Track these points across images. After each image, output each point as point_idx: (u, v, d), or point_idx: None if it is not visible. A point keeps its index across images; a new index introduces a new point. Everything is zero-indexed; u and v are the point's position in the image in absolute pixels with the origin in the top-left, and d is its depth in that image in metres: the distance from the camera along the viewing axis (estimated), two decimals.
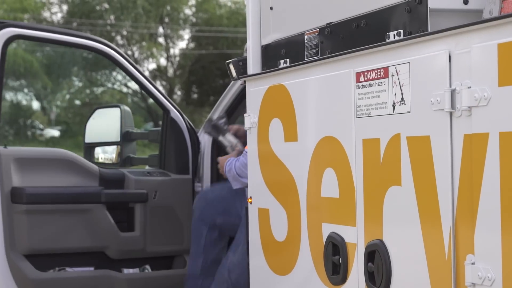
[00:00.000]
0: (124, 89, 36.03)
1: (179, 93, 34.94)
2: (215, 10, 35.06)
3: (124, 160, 5.49)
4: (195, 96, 36.35)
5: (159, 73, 35.85)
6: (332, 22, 3.43)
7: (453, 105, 2.62)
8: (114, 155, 5.35)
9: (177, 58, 35.94)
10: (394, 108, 2.91)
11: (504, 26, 2.42)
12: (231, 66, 4.18)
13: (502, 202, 2.43)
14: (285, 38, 3.82)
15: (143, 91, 5.25)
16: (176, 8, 34.94)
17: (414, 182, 2.81)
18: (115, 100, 34.12)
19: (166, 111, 5.03)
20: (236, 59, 4.21)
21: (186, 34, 36.09)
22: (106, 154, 5.48)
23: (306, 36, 3.63)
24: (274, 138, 3.77)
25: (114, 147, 5.39)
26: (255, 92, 3.95)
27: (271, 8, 3.93)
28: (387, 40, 3.04)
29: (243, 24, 34.33)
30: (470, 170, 2.57)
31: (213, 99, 35.64)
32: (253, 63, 4.06)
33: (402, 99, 2.87)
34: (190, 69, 34.84)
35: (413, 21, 2.93)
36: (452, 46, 2.64)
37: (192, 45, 35.98)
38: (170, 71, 35.94)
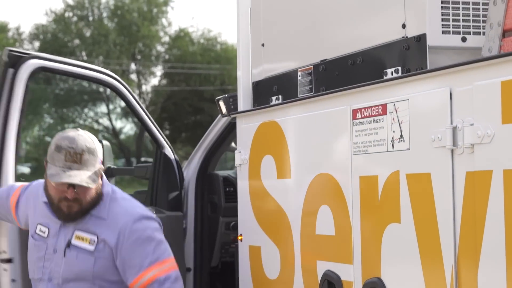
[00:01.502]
0: (95, 126, 35.89)
1: None
2: (188, 47, 35.11)
3: None
4: (167, 132, 36.25)
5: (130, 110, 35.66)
6: (326, 59, 3.43)
7: (454, 142, 2.61)
8: None
9: (149, 95, 35.89)
10: (392, 145, 2.91)
11: (508, 64, 2.43)
12: (221, 103, 4.16)
13: (506, 240, 2.42)
14: (277, 74, 3.81)
15: (141, 124, 5.19)
16: (149, 45, 34.95)
17: (414, 219, 2.80)
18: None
19: (160, 146, 4.98)
20: (226, 95, 4.19)
21: (159, 70, 36.11)
22: None
23: (299, 73, 3.62)
24: (266, 174, 3.75)
25: None
26: (246, 129, 3.93)
27: (263, 45, 3.93)
28: (385, 77, 3.04)
29: (216, 60, 34.44)
30: (472, 207, 2.56)
31: (185, 136, 35.58)
32: (244, 100, 4.05)
33: (401, 136, 2.86)
34: (162, 106, 34.78)
35: (411, 59, 2.93)
36: (453, 83, 2.64)
37: (164, 81, 35.97)
38: None
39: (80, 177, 3.28)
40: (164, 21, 36.12)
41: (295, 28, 3.68)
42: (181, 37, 35.64)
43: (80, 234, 3.40)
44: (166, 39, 35.98)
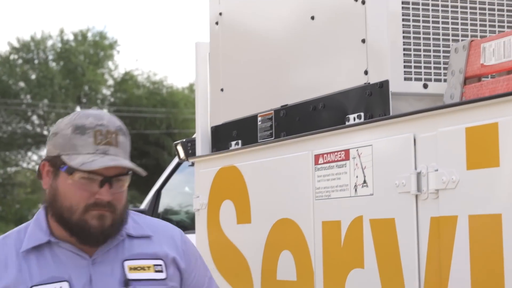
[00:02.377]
0: None
1: None
2: (134, 90, 35.02)
3: None
4: None
5: None
6: (287, 104, 3.44)
7: (419, 188, 2.63)
8: None
9: None
10: (356, 190, 2.92)
11: (472, 110, 2.47)
12: (179, 148, 4.15)
13: (472, 286, 2.43)
14: (237, 119, 3.81)
15: None
16: (94, 88, 34.79)
17: (378, 265, 2.80)
18: (29, 180, 33.52)
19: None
20: (184, 140, 4.19)
21: None
22: None
23: (259, 118, 3.63)
24: (225, 220, 3.73)
25: None
26: (205, 174, 3.92)
27: (222, 90, 3.94)
28: (347, 123, 3.06)
29: (162, 104, 34.29)
30: (437, 253, 2.57)
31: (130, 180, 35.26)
32: (202, 145, 4.04)
33: (365, 182, 2.88)
34: None
35: (374, 104, 2.96)
36: (417, 129, 2.67)
37: None
38: None
39: (126, 162, 2.36)
40: (110, 64, 36.05)
41: (255, 73, 3.69)
42: (126, 80, 35.56)
43: (136, 263, 2.44)
44: (111, 82, 35.87)
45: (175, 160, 5.52)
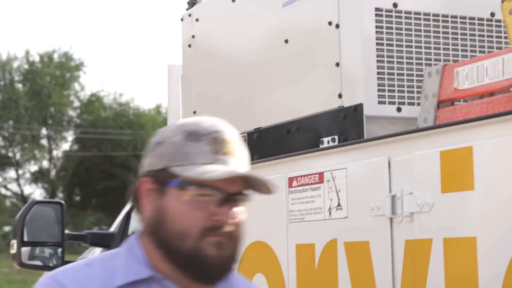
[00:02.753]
0: (3, 191, 35.16)
1: (61, 195, 34.29)
2: (100, 112, 34.92)
3: (65, 263, 5.22)
4: (77, 198, 35.76)
5: (40, 175, 35.18)
6: (261, 127, 3.45)
7: (393, 211, 2.64)
8: (54, 258, 5.11)
9: (60, 160, 35.41)
10: (330, 213, 2.92)
11: (446, 134, 2.49)
12: None
13: None
14: None
15: None
16: (60, 110, 34.63)
17: (352, 287, 2.80)
18: None
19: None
20: None
21: (70, 135, 35.75)
22: (44, 256, 5.22)
23: None
24: None
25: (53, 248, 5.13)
26: None
27: (194, 112, 3.93)
28: (321, 146, 3.07)
29: (129, 126, 34.14)
30: (412, 276, 2.58)
31: (95, 202, 35.12)
32: None
33: (339, 205, 2.88)
34: (73, 171, 34.33)
35: (348, 128, 2.97)
36: (391, 152, 2.68)
37: (75, 147, 35.59)
38: (53, 173, 35.34)
39: (256, 173, 1.96)
40: (76, 85, 35.91)
41: (228, 96, 3.70)
42: (93, 102, 35.44)
43: None
44: (77, 104, 35.72)
45: None
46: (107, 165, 33.25)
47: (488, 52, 3.10)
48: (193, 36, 3.99)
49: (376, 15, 2.95)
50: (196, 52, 3.96)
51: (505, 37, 3.15)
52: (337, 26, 3.03)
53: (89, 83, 46.45)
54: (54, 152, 35.41)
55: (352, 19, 2.97)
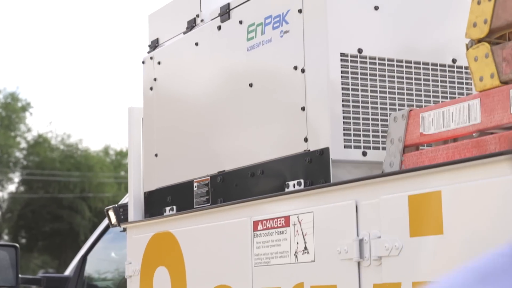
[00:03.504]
0: None
1: (6, 237, 33.76)
2: (47, 153, 34.56)
3: None
4: (23, 241, 35.22)
5: None
6: (225, 170, 3.45)
7: (361, 255, 2.66)
8: None
9: (6, 202, 34.89)
10: (296, 257, 2.93)
11: (415, 179, 2.52)
12: (111, 213, 4.10)
13: None
14: (171, 185, 3.80)
15: None
16: (6, 151, 34.21)
17: None
18: None
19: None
20: (116, 205, 4.14)
21: (16, 177, 35.28)
22: None
23: (195, 184, 3.63)
24: (159, 287, 3.68)
25: None
26: (138, 240, 3.88)
27: (156, 155, 3.92)
28: (287, 189, 3.08)
29: (76, 167, 33.82)
30: None
31: (42, 244, 34.60)
32: (135, 210, 4.00)
33: (306, 248, 2.89)
34: (19, 213, 33.83)
35: (314, 171, 2.99)
36: (359, 196, 2.70)
37: (22, 188, 35.12)
38: None
39: None
40: (22, 126, 35.54)
41: (190, 139, 3.69)
42: (40, 143, 35.09)
43: None
44: (24, 145, 35.32)
45: (102, 225, 5.45)
46: (54, 207, 32.84)
47: (451, 98, 3.16)
48: (155, 79, 4.00)
49: (341, 60, 2.98)
50: (158, 95, 3.96)
51: (467, 83, 3.21)
52: (303, 70, 3.06)
53: (36, 124, 46.04)
54: (0, 194, 34.91)
55: (318, 64, 3.00)
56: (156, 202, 3.90)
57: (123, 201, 4.90)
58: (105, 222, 5.33)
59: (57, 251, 31.24)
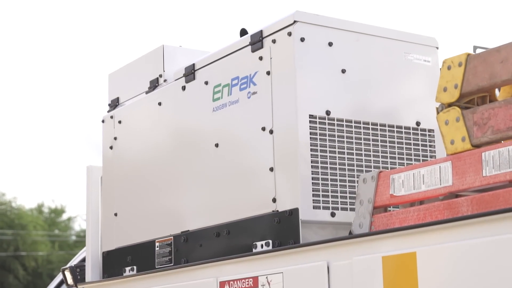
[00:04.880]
0: None
1: None
2: None
3: None
4: None
5: None
6: (188, 230, 3.43)
7: None
8: None
9: None
10: None
11: (388, 240, 2.54)
12: (67, 273, 4.04)
13: None
14: (132, 245, 3.76)
15: None
16: None
17: None
18: None
19: None
20: (73, 265, 4.08)
21: None
22: None
23: (157, 243, 3.60)
24: None
25: None
26: None
27: (116, 214, 3.89)
28: (255, 250, 3.08)
29: (9, 226, 33.15)
30: None
31: None
32: (93, 270, 3.95)
33: None
34: None
35: (283, 232, 2.99)
36: (331, 257, 2.71)
37: None
38: None
39: None
40: None
41: (152, 198, 3.67)
42: None
43: None
44: None
45: (52, 285, 5.35)
46: None
47: (415, 160, 3.21)
48: (115, 138, 3.98)
49: (310, 121, 3.01)
50: (119, 154, 3.94)
51: (430, 146, 3.27)
52: (271, 131, 3.08)
53: None
54: None
55: (287, 125, 3.03)
56: (115, 262, 3.85)
57: (75, 260, 4.83)
58: (55, 282, 5.25)
59: None
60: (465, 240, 2.32)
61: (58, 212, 34.65)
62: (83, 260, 4.62)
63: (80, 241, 33.06)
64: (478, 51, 3.94)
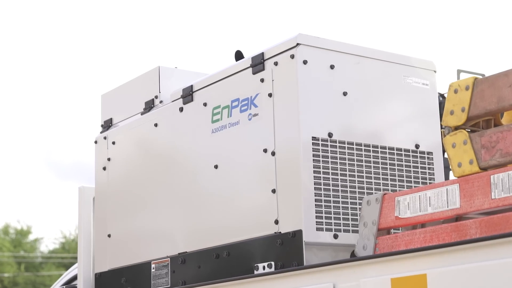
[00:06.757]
0: None
1: None
2: None
3: None
4: None
5: None
6: (186, 252, 3.42)
7: None
8: None
9: None
10: None
11: (398, 261, 2.55)
12: None
13: None
14: (126, 266, 3.74)
15: None
16: None
17: None
18: None
19: None
20: (64, 287, 4.05)
21: None
22: None
23: (153, 265, 3.58)
24: None
25: None
26: None
27: (109, 236, 3.86)
28: (256, 272, 3.07)
29: None
30: None
31: None
32: None
33: None
34: None
35: (286, 254, 2.99)
36: (337, 279, 2.71)
37: None
38: None
39: None
40: None
41: (148, 219, 3.66)
42: None
43: None
44: None
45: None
46: None
47: (414, 182, 3.23)
48: (108, 159, 3.96)
49: (313, 144, 3.03)
50: (113, 174, 3.92)
51: (429, 168, 3.29)
52: (273, 153, 3.09)
53: None
54: None
55: (290, 147, 3.04)
56: (109, 284, 3.82)
57: (64, 278, 4.78)
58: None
59: None
60: (476, 263, 2.34)
61: (24, 233, 34.30)
62: (72, 279, 4.59)
63: (46, 263, 32.75)
64: (462, 74, 4.01)
